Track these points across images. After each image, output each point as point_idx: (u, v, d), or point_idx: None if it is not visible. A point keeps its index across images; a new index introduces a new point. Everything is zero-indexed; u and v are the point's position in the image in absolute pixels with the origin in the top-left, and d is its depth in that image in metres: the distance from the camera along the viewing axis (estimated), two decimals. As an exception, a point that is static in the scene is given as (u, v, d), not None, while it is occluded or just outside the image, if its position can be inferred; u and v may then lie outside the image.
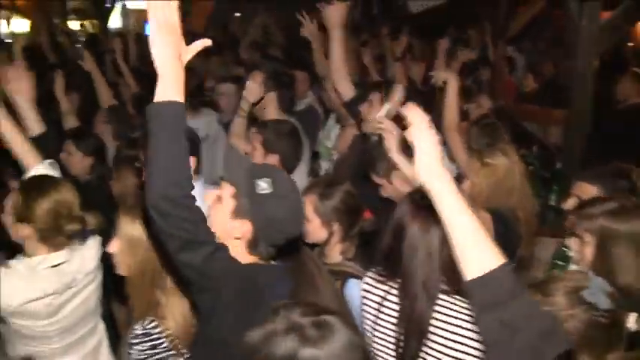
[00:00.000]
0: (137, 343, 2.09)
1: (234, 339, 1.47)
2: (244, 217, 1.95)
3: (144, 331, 2.10)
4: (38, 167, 2.60)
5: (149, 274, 2.19)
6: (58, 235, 2.38)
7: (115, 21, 12.92)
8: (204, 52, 6.32)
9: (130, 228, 2.22)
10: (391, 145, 2.78)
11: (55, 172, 2.61)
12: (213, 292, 1.85)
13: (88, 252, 2.52)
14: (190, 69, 3.51)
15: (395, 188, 3.04)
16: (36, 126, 2.92)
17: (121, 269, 2.26)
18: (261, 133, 3.36)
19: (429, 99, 4.88)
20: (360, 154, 3.63)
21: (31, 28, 12.19)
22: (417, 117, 1.58)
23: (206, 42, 1.86)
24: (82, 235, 2.50)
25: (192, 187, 1.76)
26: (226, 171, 3.64)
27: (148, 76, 6.11)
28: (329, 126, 5.02)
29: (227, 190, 1.98)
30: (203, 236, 1.82)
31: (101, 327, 2.66)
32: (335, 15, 3.65)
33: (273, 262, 2.06)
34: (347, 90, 3.77)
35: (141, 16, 13.42)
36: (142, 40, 7.80)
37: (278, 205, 1.95)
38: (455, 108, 3.66)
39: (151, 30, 1.71)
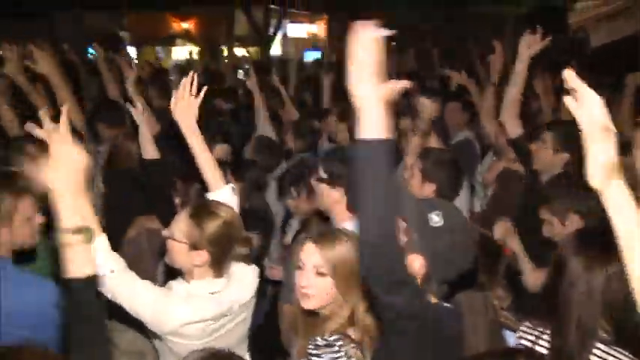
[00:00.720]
0: (317, 355, 2.04)
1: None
2: (417, 252, 1.86)
3: (326, 343, 2.05)
4: (222, 190, 2.61)
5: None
6: (228, 258, 2.38)
7: (276, 48, 13.54)
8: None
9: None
10: None
11: (235, 197, 2.61)
12: (403, 333, 1.78)
13: (246, 281, 2.49)
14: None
15: (565, 229, 2.80)
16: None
17: (312, 304, 2.17)
18: (421, 160, 3.26)
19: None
20: (524, 193, 3.43)
21: (200, 54, 13.15)
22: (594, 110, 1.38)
23: (405, 84, 1.77)
24: (253, 257, 2.49)
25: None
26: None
27: (305, 103, 6.29)
28: (486, 162, 4.80)
29: (399, 224, 1.88)
30: (407, 277, 1.76)
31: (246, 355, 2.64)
32: (529, 47, 3.49)
33: (446, 305, 1.95)
34: (515, 127, 3.57)
35: (300, 43, 14.03)
36: (302, 68, 8.08)
37: (450, 238, 1.87)
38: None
39: (350, 68, 1.66)
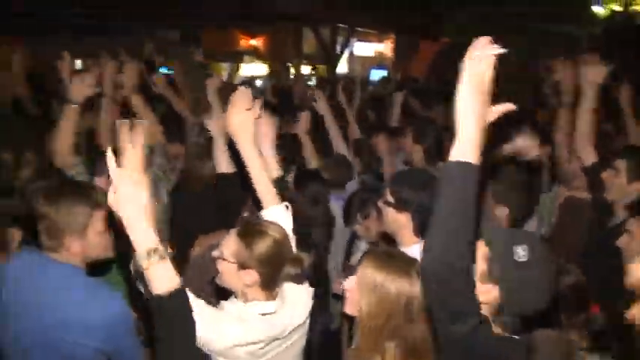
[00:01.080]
0: None
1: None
2: (494, 282, 1.84)
3: None
4: (275, 208, 2.55)
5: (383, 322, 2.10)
6: (278, 278, 2.34)
7: (342, 66, 13.62)
8: (427, 102, 6.25)
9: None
10: None
11: (289, 216, 2.57)
12: None
13: (300, 302, 2.43)
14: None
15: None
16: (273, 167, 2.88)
17: (350, 308, 2.23)
18: (493, 183, 3.19)
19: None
20: (594, 224, 3.33)
21: (269, 71, 13.39)
22: None
23: (510, 107, 1.78)
24: (303, 277, 2.42)
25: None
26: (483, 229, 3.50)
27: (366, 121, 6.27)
28: (554, 191, 4.65)
29: (480, 250, 1.88)
30: (473, 307, 1.72)
31: None
32: (595, 74, 3.41)
33: (514, 337, 1.90)
34: (589, 155, 3.48)
35: (366, 61, 14.08)
36: (366, 86, 8.12)
37: (532, 274, 1.82)
38: None
39: (461, 82, 1.66)
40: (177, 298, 1.88)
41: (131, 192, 1.80)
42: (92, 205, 2.30)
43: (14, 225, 3.01)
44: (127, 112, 4.23)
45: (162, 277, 1.85)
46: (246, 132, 2.48)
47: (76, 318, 2.23)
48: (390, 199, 2.72)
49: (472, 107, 1.64)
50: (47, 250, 2.31)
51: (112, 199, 1.81)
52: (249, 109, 2.49)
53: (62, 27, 11.62)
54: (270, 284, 2.32)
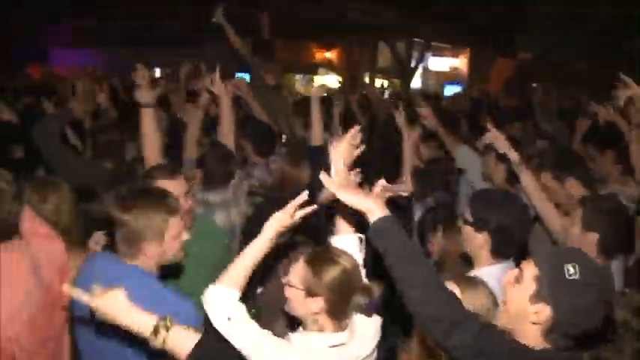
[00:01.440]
0: None
1: None
2: (545, 301, 1.81)
3: None
4: (348, 237, 2.51)
5: None
6: (346, 308, 2.27)
7: (416, 81, 13.52)
8: (502, 119, 6.05)
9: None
10: None
11: (361, 247, 2.49)
12: None
13: (368, 335, 2.35)
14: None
15: None
16: None
17: None
18: (581, 207, 3.01)
19: None
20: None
21: (341, 84, 13.43)
22: None
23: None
24: (372, 308, 2.32)
25: None
26: (533, 250, 3.35)
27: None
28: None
29: (530, 271, 1.86)
30: (463, 314, 1.86)
31: None
32: None
33: (562, 353, 1.87)
34: None
35: (441, 77, 13.92)
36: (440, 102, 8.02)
37: (583, 294, 1.78)
38: None
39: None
40: (206, 347, 1.93)
41: (110, 305, 1.91)
42: (169, 211, 2.34)
43: (99, 228, 3.12)
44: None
45: (181, 339, 1.91)
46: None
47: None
48: (469, 217, 2.65)
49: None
50: (125, 256, 2.37)
51: (100, 312, 1.91)
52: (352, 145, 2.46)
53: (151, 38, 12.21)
54: (338, 313, 2.27)
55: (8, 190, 2.01)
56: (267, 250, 2.23)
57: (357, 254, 2.45)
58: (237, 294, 2.19)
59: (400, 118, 4.62)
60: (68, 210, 2.93)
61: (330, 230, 2.64)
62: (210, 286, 2.20)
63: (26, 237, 2.17)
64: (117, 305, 1.90)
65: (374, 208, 1.97)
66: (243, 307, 2.20)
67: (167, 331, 1.89)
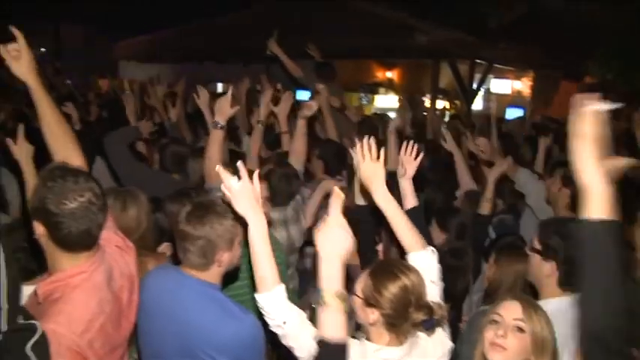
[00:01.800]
0: None
1: None
2: None
3: None
4: (421, 253, 2.54)
5: None
6: (404, 322, 2.27)
7: (478, 103, 13.32)
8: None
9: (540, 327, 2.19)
10: None
11: (434, 261, 2.54)
12: None
13: (432, 348, 2.35)
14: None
15: None
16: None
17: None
18: None
19: None
20: None
21: (399, 104, 13.39)
22: None
23: (633, 162, 1.69)
24: (428, 326, 2.32)
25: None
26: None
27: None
28: None
29: None
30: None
31: None
32: None
33: None
34: None
35: (503, 100, 13.67)
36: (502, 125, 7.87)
37: None
38: None
39: (576, 142, 1.63)
40: (336, 349, 1.92)
41: (337, 234, 1.95)
42: (236, 218, 2.38)
43: (165, 238, 3.20)
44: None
45: (333, 322, 1.92)
46: (378, 180, 2.54)
47: (212, 334, 2.33)
48: (537, 245, 2.60)
49: (592, 167, 1.60)
50: (196, 267, 2.44)
51: (318, 235, 1.97)
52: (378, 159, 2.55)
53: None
54: (395, 328, 2.27)
55: (97, 203, 2.08)
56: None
57: (432, 269, 2.50)
58: (282, 287, 2.25)
59: (449, 140, 4.68)
60: (146, 218, 3.04)
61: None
62: (256, 296, 2.25)
63: (103, 246, 2.25)
64: (335, 244, 1.96)
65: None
66: (298, 311, 2.28)
67: (340, 309, 1.93)
